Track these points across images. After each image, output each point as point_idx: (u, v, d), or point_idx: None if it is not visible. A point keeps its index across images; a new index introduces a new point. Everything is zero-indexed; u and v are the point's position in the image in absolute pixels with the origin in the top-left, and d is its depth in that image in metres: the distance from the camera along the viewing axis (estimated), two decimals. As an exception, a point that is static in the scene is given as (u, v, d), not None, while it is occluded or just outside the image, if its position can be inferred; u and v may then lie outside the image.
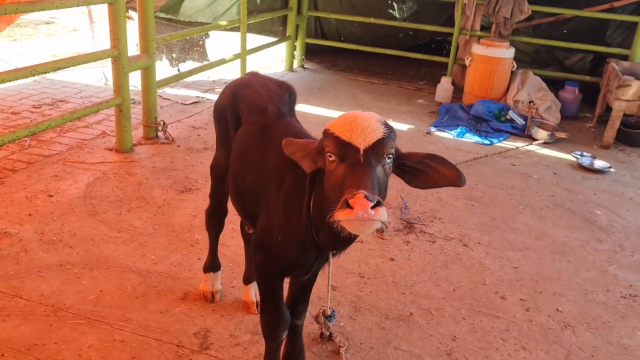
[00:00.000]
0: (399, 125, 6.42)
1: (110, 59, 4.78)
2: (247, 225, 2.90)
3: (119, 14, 4.50)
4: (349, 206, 1.62)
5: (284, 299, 2.44)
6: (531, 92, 7.01)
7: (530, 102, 6.69)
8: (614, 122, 6.25)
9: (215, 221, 3.02)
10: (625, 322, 3.29)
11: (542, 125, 6.49)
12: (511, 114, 6.70)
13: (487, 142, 6.18)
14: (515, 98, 6.97)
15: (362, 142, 1.78)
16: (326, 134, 1.86)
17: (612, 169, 5.67)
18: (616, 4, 7.38)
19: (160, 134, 5.43)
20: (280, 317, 2.35)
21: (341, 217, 1.64)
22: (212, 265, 3.11)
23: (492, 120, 6.70)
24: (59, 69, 4.17)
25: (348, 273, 3.51)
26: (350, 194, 1.64)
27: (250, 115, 2.52)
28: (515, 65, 7.29)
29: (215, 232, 3.07)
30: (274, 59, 9.12)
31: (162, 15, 7.06)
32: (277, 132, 2.36)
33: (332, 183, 1.82)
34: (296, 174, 2.12)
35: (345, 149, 1.78)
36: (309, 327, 2.96)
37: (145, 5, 4.81)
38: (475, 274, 3.64)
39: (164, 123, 5.38)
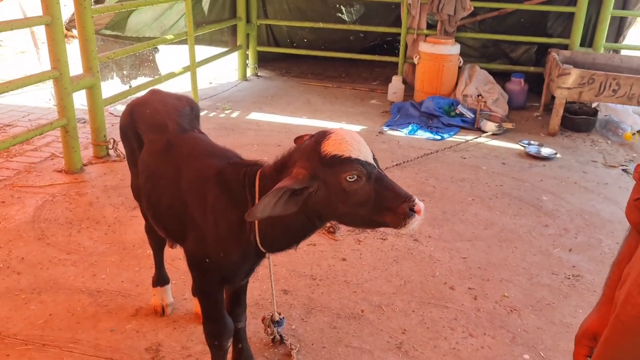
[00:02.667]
0: (352, 127, 6.51)
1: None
2: (170, 242, 2.83)
3: (57, 35, 4.46)
4: (413, 211, 1.89)
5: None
6: (479, 85, 7.20)
7: (478, 96, 6.87)
8: (558, 110, 6.47)
9: (153, 236, 2.99)
10: (568, 302, 3.41)
11: (490, 118, 6.67)
12: (460, 109, 6.86)
13: (438, 137, 6.32)
14: (464, 92, 7.15)
15: (372, 156, 1.97)
16: (341, 160, 1.88)
17: (558, 155, 5.87)
18: (553, -5, 7.65)
19: (111, 151, 5.39)
20: (223, 326, 2.37)
21: (412, 223, 1.89)
22: (160, 279, 3.12)
23: (443, 115, 6.84)
24: (-4, 93, 4.12)
25: (300, 276, 3.55)
26: (407, 203, 1.88)
27: (150, 134, 2.49)
28: (462, 61, 7.47)
29: (156, 247, 3.07)
30: (227, 69, 9.13)
31: (108, 32, 7.00)
32: (184, 149, 2.35)
33: (359, 200, 1.92)
34: (223, 188, 2.11)
35: (369, 168, 1.92)
36: (261, 332, 2.99)
37: (84, 24, 4.78)
38: (425, 267, 3.73)
39: (114, 141, 5.34)
